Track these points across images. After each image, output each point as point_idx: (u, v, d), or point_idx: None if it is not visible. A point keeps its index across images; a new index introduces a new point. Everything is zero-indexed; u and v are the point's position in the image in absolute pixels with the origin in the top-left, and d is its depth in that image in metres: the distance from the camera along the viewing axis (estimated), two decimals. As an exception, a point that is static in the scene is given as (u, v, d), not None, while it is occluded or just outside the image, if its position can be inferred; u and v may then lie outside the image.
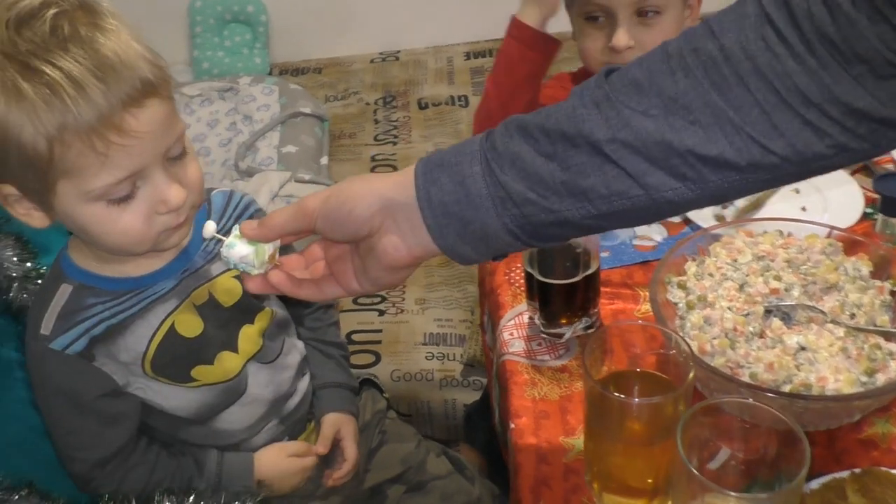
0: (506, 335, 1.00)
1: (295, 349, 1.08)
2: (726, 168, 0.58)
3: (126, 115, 0.72)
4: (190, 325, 0.90)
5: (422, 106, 2.87)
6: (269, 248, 0.68)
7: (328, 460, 1.09)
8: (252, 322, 0.98)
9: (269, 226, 0.67)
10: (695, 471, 0.61)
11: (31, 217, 0.79)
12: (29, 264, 0.94)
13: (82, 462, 0.89)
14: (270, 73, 3.08)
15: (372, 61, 3.19)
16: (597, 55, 1.17)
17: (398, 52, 3.23)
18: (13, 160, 0.73)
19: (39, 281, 0.94)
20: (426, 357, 1.84)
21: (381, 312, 2.00)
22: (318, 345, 1.14)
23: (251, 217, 1.00)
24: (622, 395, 0.67)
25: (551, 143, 0.60)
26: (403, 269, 0.67)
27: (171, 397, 0.92)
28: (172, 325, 0.89)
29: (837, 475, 0.76)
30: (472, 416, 1.58)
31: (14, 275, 0.93)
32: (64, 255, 0.88)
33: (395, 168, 2.57)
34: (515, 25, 1.19)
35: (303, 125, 2.58)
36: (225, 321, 0.94)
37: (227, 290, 0.93)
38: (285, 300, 1.09)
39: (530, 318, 1.01)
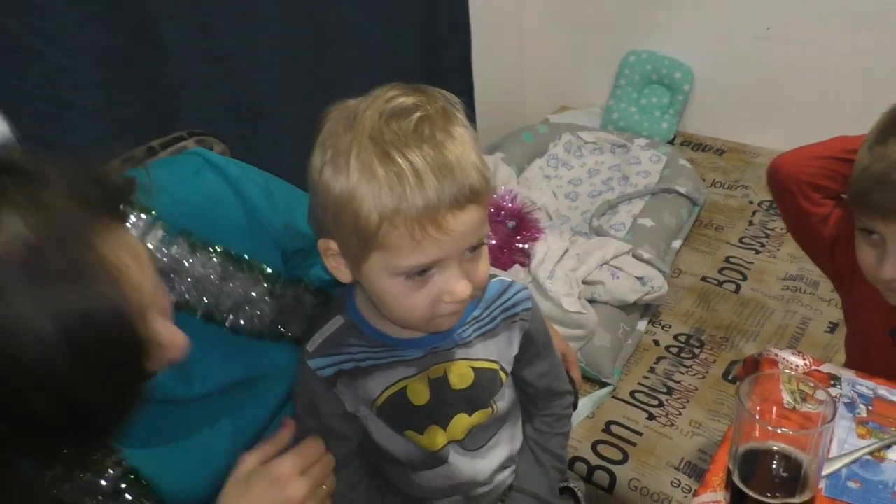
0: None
1: (504, 445, 1.10)
2: None
3: (448, 215, 0.80)
4: (418, 394, 1.00)
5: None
6: None
7: None
8: (470, 414, 1.03)
9: None
10: None
11: (339, 272, 0.91)
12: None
13: None
14: (672, 141, 3.11)
15: (780, 158, 3.04)
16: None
17: (813, 155, 3.03)
18: (347, 224, 0.83)
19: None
20: (672, 483, 1.73)
21: (651, 416, 1.91)
22: (536, 449, 1.14)
23: (513, 316, 1.02)
24: None
25: None
26: None
27: (385, 437, 1.05)
28: (405, 388, 1.00)
29: None
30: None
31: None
32: (351, 292, 1.00)
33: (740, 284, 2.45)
34: None
35: (671, 203, 2.56)
36: (447, 401, 1.02)
37: (460, 375, 1.01)
38: (525, 393, 1.12)
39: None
